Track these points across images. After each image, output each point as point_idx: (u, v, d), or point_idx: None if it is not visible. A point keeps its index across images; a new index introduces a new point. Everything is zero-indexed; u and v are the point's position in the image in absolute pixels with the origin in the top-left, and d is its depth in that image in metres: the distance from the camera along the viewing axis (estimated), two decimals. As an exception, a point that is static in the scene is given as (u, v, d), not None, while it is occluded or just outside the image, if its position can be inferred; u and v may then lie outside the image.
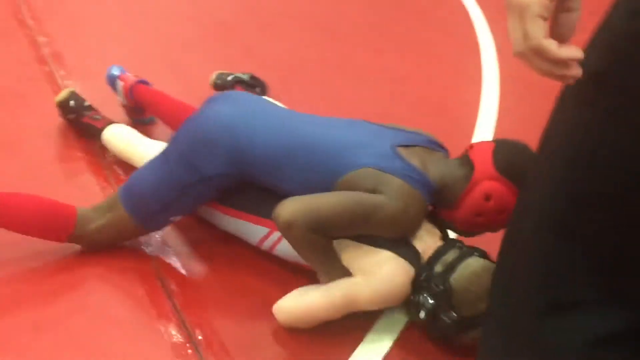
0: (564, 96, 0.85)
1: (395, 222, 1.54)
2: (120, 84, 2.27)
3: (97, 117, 2.17)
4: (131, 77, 2.27)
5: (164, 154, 1.70)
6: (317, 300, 1.54)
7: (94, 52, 2.82)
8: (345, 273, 1.57)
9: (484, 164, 1.58)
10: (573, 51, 0.76)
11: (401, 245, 1.58)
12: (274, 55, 2.96)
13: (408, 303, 1.59)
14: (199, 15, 3.32)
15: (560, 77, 0.78)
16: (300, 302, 1.56)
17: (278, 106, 1.86)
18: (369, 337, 1.60)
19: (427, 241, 1.62)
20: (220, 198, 1.73)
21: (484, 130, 2.50)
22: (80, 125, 2.19)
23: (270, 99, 1.98)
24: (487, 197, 1.56)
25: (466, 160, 1.63)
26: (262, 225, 1.69)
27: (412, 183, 1.56)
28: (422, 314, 1.53)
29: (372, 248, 1.56)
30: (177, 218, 1.74)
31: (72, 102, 2.18)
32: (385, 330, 1.62)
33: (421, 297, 1.53)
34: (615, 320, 0.71)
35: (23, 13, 2.99)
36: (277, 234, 1.66)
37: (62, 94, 2.21)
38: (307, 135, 1.65)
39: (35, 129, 2.23)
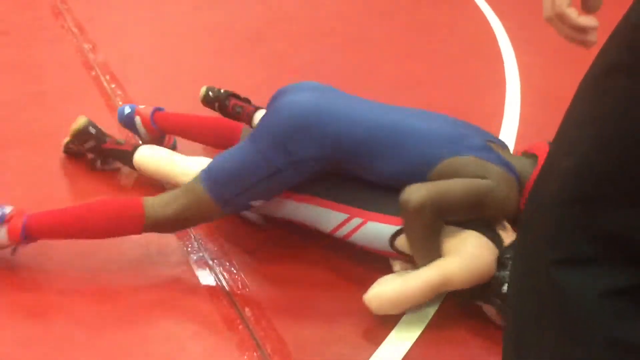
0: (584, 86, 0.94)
1: (500, 205, 1.66)
2: (137, 118, 2.24)
3: (121, 141, 2.14)
4: (146, 108, 2.25)
5: (252, 140, 1.72)
6: (414, 284, 1.60)
7: (135, 57, 2.98)
8: (440, 256, 1.66)
9: (545, 156, 1.75)
10: (590, 20, 0.91)
11: (486, 228, 1.69)
12: (303, 64, 3.10)
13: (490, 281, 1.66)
14: (232, 24, 3.48)
15: (580, 42, 0.94)
16: (396, 288, 1.60)
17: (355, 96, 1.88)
18: (391, 337, 1.65)
19: (507, 228, 1.74)
20: (297, 186, 1.78)
21: (507, 137, 2.62)
22: (101, 152, 2.14)
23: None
24: None
25: (532, 158, 1.80)
26: (342, 212, 1.75)
27: (509, 172, 1.70)
28: (504, 288, 1.61)
29: (459, 229, 1.67)
30: (258, 203, 1.76)
31: (92, 129, 2.13)
32: (407, 330, 1.67)
33: (504, 273, 1.62)
34: (622, 276, 0.81)
35: (67, 22, 3.15)
36: (356, 221, 1.74)
37: (80, 122, 2.13)
38: (400, 122, 1.71)
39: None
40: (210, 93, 2.43)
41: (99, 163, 2.18)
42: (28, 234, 1.69)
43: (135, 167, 2.07)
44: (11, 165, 2.22)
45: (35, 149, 2.30)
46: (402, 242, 1.71)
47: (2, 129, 2.41)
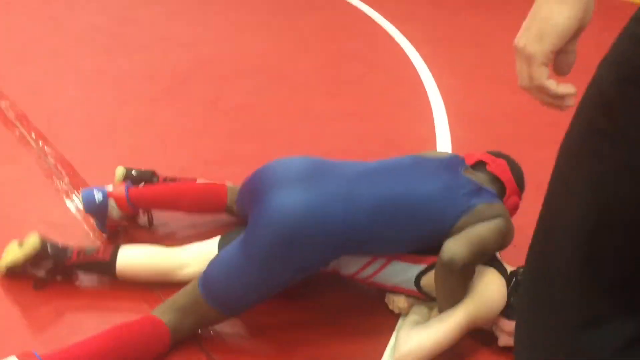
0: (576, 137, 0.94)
1: (511, 238, 1.76)
2: (111, 201, 1.98)
3: (91, 249, 1.81)
4: (117, 188, 1.99)
5: (248, 255, 1.59)
6: (442, 334, 1.62)
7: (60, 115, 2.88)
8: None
9: (510, 182, 1.86)
10: (569, 88, 0.94)
11: (493, 260, 1.77)
12: (235, 107, 3.09)
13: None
14: (159, 72, 3.43)
15: (558, 107, 0.96)
16: (425, 343, 1.61)
17: (334, 167, 1.75)
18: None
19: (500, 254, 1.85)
20: None
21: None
22: (64, 272, 1.82)
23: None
24: (515, 210, 1.88)
25: (495, 178, 1.87)
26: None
27: (501, 201, 1.80)
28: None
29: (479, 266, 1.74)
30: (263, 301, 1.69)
31: (49, 249, 1.79)
32: None
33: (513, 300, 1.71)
34: (635, 327, 0.85)
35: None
36: (380, 261, 1.73)
37: (32, 243, 1.78)
38: (400, 196, 1.68)
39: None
40: (134, 172, 2.17)
41: (59, 278, 1.84)
42: None
43: (119, 276, 1.82)
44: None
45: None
46: (427, 282, 1.73)
47: None
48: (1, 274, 1.83)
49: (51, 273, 1.80)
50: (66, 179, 2.38)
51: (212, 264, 1.63)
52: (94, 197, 1.94)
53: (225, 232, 1.88)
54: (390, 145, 2.80)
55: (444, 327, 1.63)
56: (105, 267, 1.80)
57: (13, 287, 1.82)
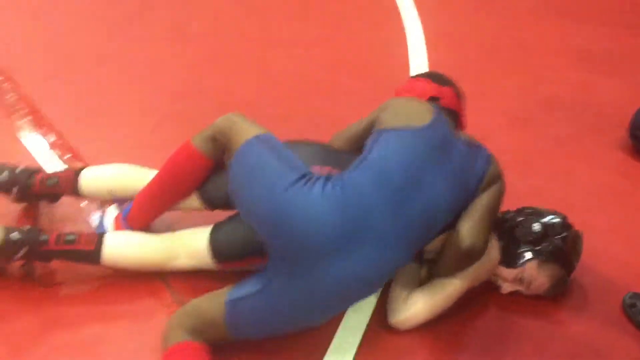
0: None
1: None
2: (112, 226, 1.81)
3: (70, 237, 1.65)
4: (116, 216, 1.82)
5: (292, 309, 1.47)
6: (446, 298, 1.64)
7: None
8: None
9: (462, 110, 1.85)
10: None
11: None
12: (200, 34, 2.97)
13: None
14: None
15: None
16: (424, 308, 1.62)
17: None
18: (335, 344, 1.61)
19: None
20: None
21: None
22: (40, 255, 1.66)
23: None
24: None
25: (450, 110, 1.79)
26: None
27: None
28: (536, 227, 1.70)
29: None
30: None
31: (14, 236, 1.63)
32: (349, 334, 1.63)
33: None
34: None
35: None
36: None
37: None
38: (424, 215, 1.52)
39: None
40: (4, 173, 1.84)
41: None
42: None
43: (105, 265, 1.67)
44: None
45: None
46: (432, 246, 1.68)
47: None
48: None
49: (28, 260, 1.66)
50: (27, 117, 2.30)
51: (243, 310, 1.47)
52: (102, 224, 1.83)
53: (216, 223, 1.67)
54: (362, 74, 2.72)
55: (445, 294, 1.65)
56: (87, 256, 1.65)
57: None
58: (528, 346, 1.64)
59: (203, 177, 1.70)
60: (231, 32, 3.01)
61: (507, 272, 1.71)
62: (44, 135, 2.21)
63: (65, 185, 1.82)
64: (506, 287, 1.73)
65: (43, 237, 1.63)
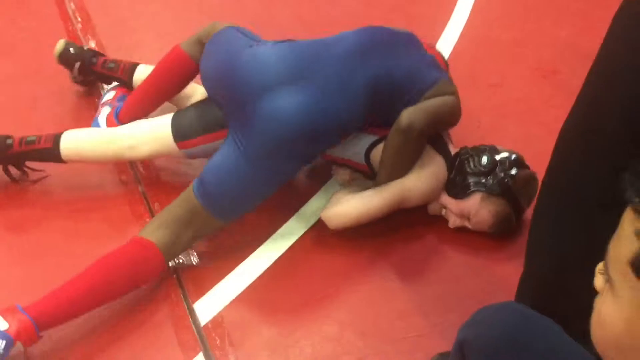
0: None
1: (459, 117, 1.81)
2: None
3: (31, 138, 1.79)
4: (108, 114, 1.96)
5: (246, 158, 1.60)
6: (376, 203, 1.69)
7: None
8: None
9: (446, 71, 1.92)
10: None
11: (437, 141, 1.78)
12: None
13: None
14: None
15: None
16: (358, 207, 1.69)
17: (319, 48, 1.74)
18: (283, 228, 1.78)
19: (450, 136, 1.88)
20: None
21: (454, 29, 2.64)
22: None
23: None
24: None
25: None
26: None
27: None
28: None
29: None
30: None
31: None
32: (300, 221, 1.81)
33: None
34: None
35: None
36: None
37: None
38: (384, 76, 1.70)
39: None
40: (72, 49, 2.10)
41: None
42: (42, 333, 1.41)
43: (66, 160, 1.80)
44: None
45: None
46: (376, 155, 1.75)
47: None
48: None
49: (3, 165, 1.83)
50: (79, 25, 2.56)
51: (208, 170, 1.63)
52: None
53: (178, 111, 1.86)
54: (396, 11, 2.73)
55: (377, 196, 1.70)
56: (49, 153, 1.78)
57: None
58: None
59: (188, 80, 1.92)
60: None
61: (453, 204, 1.75)
62: (86, 43, 2.43)
63: (122, 73, 2.06)
64: (453, 221, 1.77)
65: (8, 142, 1.78)
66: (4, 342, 1.30)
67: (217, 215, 1.61)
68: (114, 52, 2.26)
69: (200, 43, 1.84)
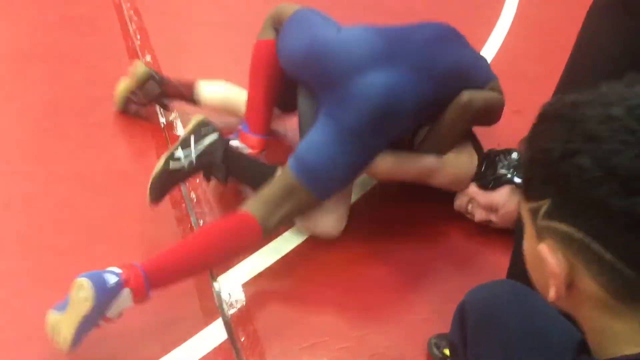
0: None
1: (499, 117, 1.96)
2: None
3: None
4: (239, 131, 2.08)
5: (341, 134, 1.70)
6: (410, 160, 1.84)
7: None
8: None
9: None
10: None
11: (472, 137, 1.95)
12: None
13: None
14: None
15: None
16: (391, 159, 1.81)
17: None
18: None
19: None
20: None
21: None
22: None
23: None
24: None
25: None
26: None
27: None
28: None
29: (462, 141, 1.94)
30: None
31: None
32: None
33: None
34: None
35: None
36: None
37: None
38: (455, 63, 1.84)
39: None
40: (156, 75, 2.24)
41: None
42: (151, 287, 1.49)
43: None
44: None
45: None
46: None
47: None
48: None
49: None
50: (138, 42, 2.83)
51: (306, 146, 1.72)
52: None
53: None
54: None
55: (414, 158, 1.85)
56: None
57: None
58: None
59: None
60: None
61: (481, 195, 1.85)
62: (143, 58, 2.69)
63: (188, 91, 2.22)
64: (479, 215, 1.87)
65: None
66: (115, 279, 1.42)
67: (313, 189, 1.70)
68: (168, 69, 2.50)
69: (274, 28, 2.01)
